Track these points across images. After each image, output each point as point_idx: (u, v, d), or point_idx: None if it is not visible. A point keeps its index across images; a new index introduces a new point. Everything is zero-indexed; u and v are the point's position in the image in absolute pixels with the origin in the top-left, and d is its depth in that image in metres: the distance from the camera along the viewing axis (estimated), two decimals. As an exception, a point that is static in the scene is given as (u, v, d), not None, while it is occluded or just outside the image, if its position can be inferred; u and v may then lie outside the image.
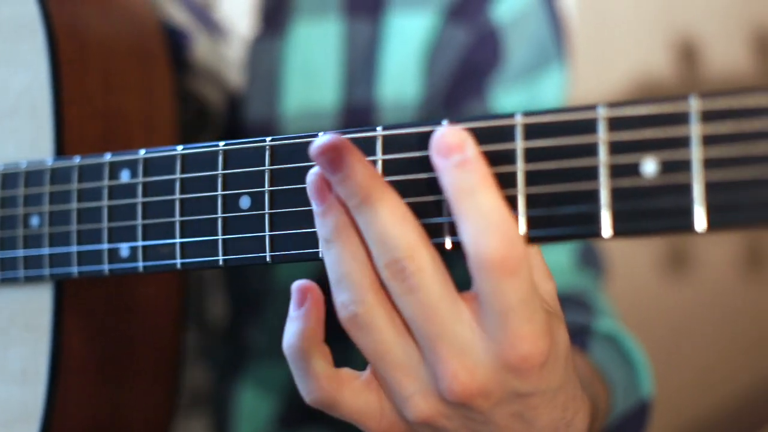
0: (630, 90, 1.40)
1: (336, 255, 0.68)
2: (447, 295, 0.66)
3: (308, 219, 0.73)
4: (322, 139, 0.67)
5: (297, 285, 0.70)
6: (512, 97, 1.11)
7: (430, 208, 0.69)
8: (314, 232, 0.72)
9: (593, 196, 0.65)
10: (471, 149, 0.65)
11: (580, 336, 0.99)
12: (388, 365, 0.67)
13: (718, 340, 1.77)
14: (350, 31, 1.08)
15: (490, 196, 0.64)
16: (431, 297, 0.65)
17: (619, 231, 0.65)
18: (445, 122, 0.68)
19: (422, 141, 0.69)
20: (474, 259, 0.63)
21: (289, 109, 1.07)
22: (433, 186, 0.68)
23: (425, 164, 0.69)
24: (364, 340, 0.67)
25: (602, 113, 0.65)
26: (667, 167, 0.63)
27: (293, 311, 0.70)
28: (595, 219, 0.65)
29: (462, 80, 1.10)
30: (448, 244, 0.68)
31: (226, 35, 1.07)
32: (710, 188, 0.62)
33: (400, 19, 1.08)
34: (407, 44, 1.09)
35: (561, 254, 1.12)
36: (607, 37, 1.35)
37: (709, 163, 0.62)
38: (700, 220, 0.63)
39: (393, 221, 0.66)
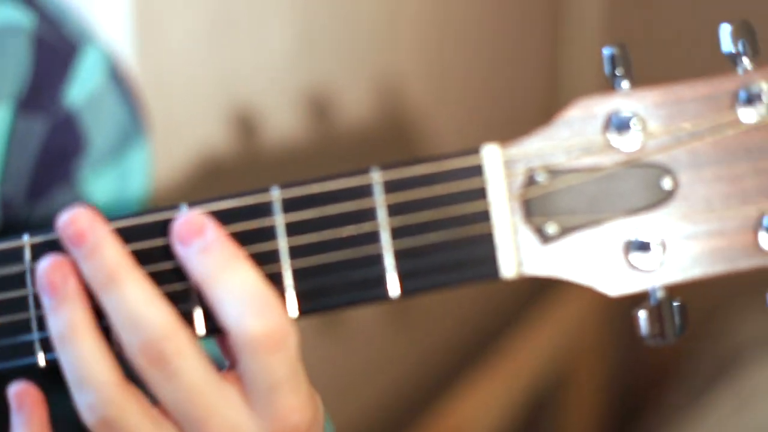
0: (195, 165, 1.41)
1: (74, 354, 0.63)
2: (210, 376, 0.63)
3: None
4: (69, 212, 0.64)
5: (13, 390, 0.65)
6: (103, 180, 1.09)
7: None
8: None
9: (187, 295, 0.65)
10: (211, 232, 0.64)
11: None
12: None
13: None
14: None
15: (241, 274, 0.62)
16: (195, 380, 0.62)
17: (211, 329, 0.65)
18: (184, 207, 0.65)
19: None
20: (238, 341, 0.62)
21: None
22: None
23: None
24: None
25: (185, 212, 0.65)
26: (259, 259, 0.64)
27: (15, 418, 0.65)
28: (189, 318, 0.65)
29: (45, 170, 1.07)
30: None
31: None
32: (298, 275, 0.64)
33: None
34: (-20, 138, 1.04)
35: None
36: (169, 113, 1.36)
37: (295, 252, 0.64)
38: (292, 307, 0.64)
39: (144, 301, 0.63)
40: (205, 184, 1.38)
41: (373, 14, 1.72)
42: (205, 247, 0.63)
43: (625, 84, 0.64)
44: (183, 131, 1.39)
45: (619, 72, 0.64)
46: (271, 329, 0.62)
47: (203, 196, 0.66)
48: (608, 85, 0.64)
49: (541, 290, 2.28)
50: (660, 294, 0.64)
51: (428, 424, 1.92)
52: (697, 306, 0.90)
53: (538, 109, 2.20)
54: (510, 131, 0.67)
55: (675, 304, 0.64)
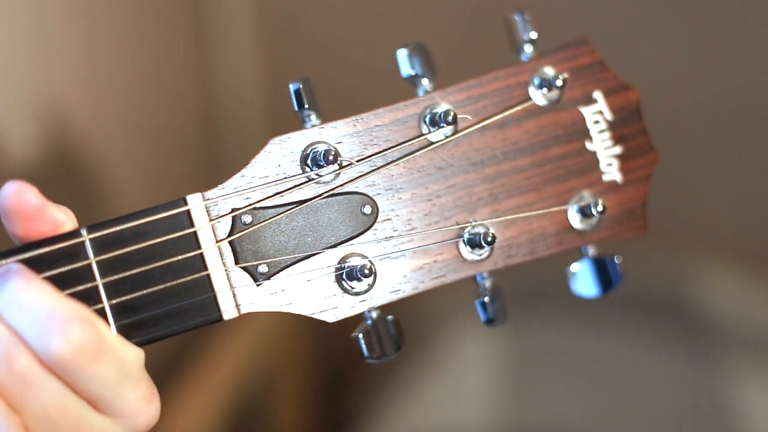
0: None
1: None
2: (69, 392, 0.61)
3: None
4: None
5: None
6: None
7: None
8: None
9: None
10: None
11: None
12: None
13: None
14: None
15: (30, 296, 0.60)
16: (56, 396, 0.61)
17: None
18: None
19: None
20: (53, 363, 0.60)
21: None
22: None
23: None
24: None
25: None
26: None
27: None
28: None
29: None
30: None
31: None
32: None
33: None
34: None
35: None
36: None
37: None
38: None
39: None
40: None
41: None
42: None
43: (314, 118, 0.65)
44: None
45: (307, 106, 0.65)
46: (78, 343, 0.60)
47: None
48: (292, 121, 0.66)
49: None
50: (375, 314, 0.66)
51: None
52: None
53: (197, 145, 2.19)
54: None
55: (389, 319, 0.66)
